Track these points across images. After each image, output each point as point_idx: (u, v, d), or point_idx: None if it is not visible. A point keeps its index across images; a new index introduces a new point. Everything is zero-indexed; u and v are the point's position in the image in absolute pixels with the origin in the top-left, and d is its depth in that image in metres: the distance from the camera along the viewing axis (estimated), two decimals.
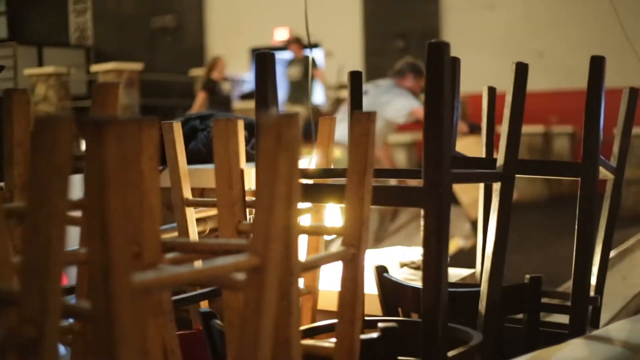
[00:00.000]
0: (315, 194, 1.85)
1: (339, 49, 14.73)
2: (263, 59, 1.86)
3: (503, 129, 1.93)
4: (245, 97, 13.98)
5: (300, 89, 12.23)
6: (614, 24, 12.45)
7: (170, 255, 1.39)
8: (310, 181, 2.02)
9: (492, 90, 2.50)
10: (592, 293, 2.31)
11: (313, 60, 12.58)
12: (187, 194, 2.25)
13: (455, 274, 2.86)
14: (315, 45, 14.70)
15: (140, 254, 1.30)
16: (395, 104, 6.35)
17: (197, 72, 14.54)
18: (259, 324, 1.16)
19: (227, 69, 13.10)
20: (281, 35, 14.98)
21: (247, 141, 3.01)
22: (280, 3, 15.16)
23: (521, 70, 1.94)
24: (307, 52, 12.76)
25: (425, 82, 1.61)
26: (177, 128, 2.21)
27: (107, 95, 1.45)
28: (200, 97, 12.46)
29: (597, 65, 2.14)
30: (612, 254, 7.38)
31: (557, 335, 2.06)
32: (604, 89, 2.15)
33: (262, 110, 1.84)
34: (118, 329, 0.91)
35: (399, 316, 2.21)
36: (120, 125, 0.90)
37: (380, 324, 1.50)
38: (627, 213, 9.62)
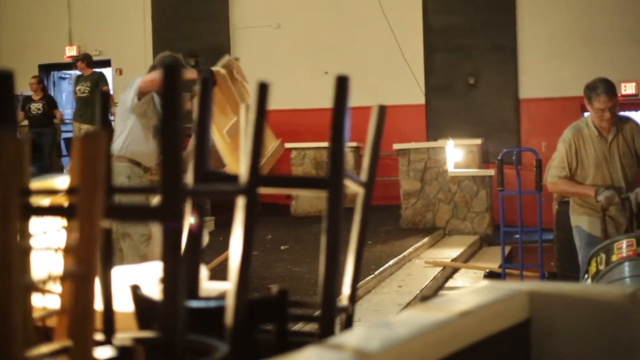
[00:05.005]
0: (58, 212, 1.85)
1: (130, 67, 14.54)
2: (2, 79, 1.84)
3: (246, 147, 2.00)
4: None
5: (87, 106, 12.03)
6: (394, 47, 13.00)
7: None
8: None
9: (247, 108, 2.57)
10: (345, 302, 2.43)
11: (102, 77, 12.42)
12: None
13: (216, 288, 2.89)
14: (105, 63, 14.50)
15: None
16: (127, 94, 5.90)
17: None
18: None
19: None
20: (71, 52, 14.66)
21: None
22: (70, 20, 14.87)
23: (262, 92, 2.01)
24: (95, 69, 12.58)
25: (162, 104, 1.65)
26: None
27: None
28: None
29: (341, 84, 2.25)
30: (390, 262, 7.70)
31: (308, 345, 2.14)
32: (349, 107, 2.25)
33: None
34: None
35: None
36: None
37: (114, 344, 1.52)
38: (406, 223, 9.96)
